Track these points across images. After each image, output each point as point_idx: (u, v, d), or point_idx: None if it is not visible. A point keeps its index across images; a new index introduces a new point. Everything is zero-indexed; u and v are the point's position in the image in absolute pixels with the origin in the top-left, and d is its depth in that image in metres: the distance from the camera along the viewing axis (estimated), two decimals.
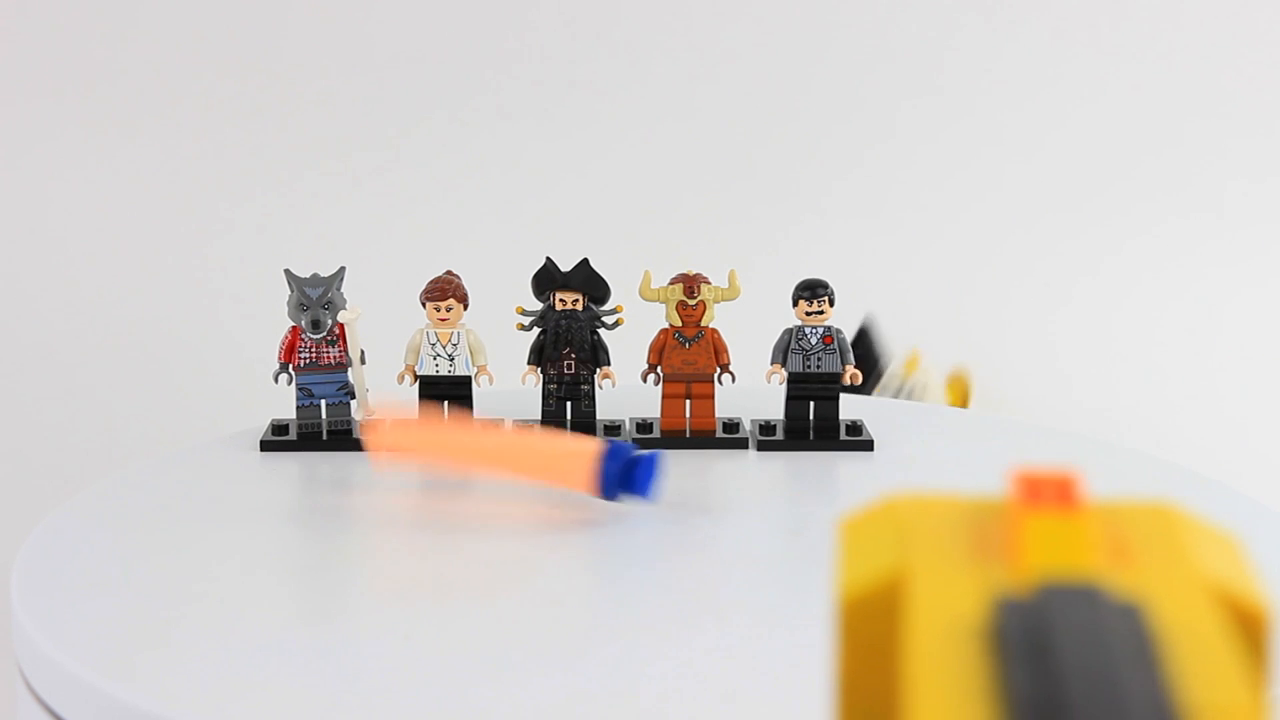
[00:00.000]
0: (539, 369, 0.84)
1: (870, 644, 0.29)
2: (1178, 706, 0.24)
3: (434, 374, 0.84)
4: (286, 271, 0.83)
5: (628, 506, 0.73)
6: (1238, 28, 1.42)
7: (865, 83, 1.42)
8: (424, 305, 0.83)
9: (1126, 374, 1.36)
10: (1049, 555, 0.28)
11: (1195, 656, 0.26)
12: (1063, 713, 0.24)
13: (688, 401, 0.84)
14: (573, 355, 0.84)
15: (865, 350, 1.21)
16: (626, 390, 0.86)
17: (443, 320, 0.83)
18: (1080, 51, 1.43)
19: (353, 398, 0.84)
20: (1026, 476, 0.30)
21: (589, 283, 0.83)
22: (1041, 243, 1.42)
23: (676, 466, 0.80)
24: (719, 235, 1.40)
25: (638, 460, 0.72)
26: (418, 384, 0.84)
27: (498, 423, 0.83)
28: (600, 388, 0.84)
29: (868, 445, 0.84)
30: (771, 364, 0.84)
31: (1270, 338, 1.39)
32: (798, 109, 1.43)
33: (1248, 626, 0.28)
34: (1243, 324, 1.39)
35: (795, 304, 0.83)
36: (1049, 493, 0.29)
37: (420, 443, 0.75)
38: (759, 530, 0.73)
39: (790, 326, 0.84)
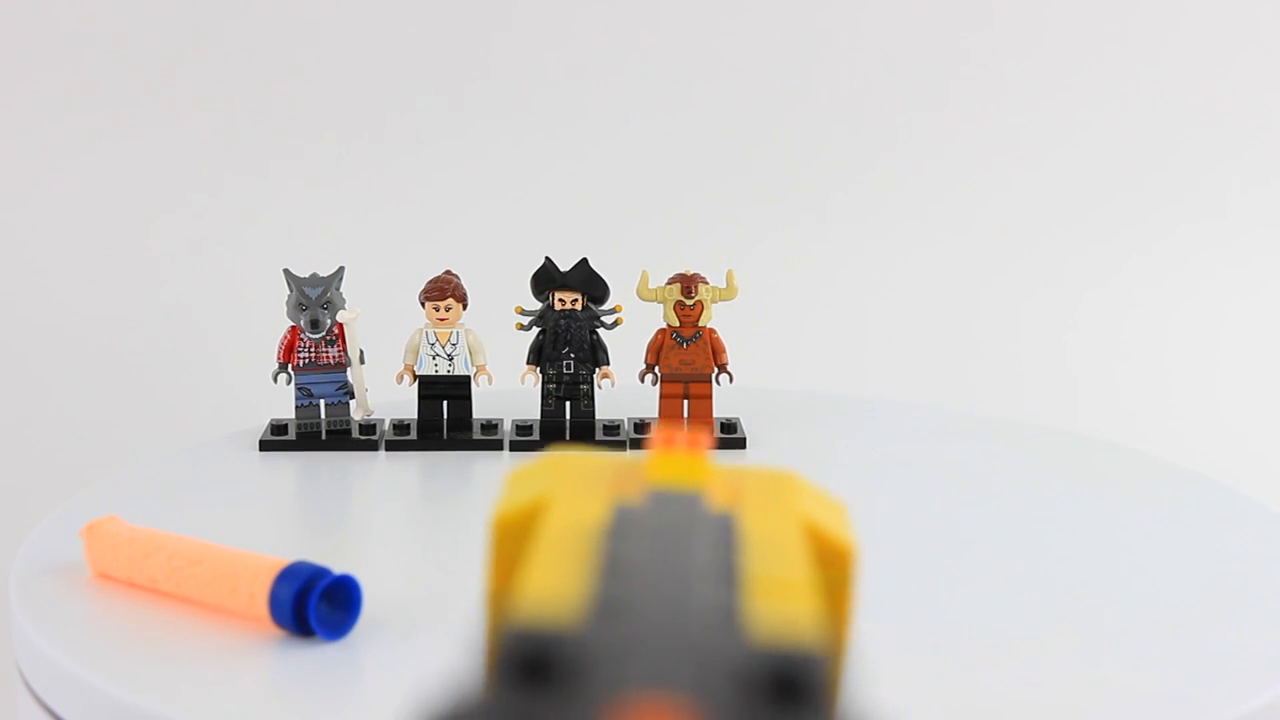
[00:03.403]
0: (538, 369, 0.84)
1: (514, 559, 0.33)
2: (738, 571, 0.27)
3: (433, 374, 0.84)
4: (286, 271, 0.83)
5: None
6: (1240, 35, 1.42)
7: (869, 85, 1.42)
8: (423, 305, 0.83)
9: (1132, 379, 1.36)
10: (667, 479, 0.32)
11: (768, 550, 0.29)
12: (636, 568, 0.27)
13: (685, 401, 0.85)
14: (572, 355, 0.84)
15: None
16: (625, 390, 0.86)
17: (442, 320, 0.83)
18: (1086, 60, 1.43)
19: (351, 397, 0.84)
20: (663, 433, 0.34)
21: (588, 282, 0.83)
22: (1047, 249, 1.42)
23: None
24: (717, 235, 1.40)
25: (325, 585, 0.58)
26: (417, 383, 0.84)
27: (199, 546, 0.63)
28: (599, 387, 0.84)
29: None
30: None
31: (1274, 341, 1.39)
32: (800, 110, 1.43)
33: (834, 561, 0.32)
34: (1247, 328, 1.40)
35: None
36: (679, 443, 0.33)
37: (114, 565, 0.64)
38: None
39: None
